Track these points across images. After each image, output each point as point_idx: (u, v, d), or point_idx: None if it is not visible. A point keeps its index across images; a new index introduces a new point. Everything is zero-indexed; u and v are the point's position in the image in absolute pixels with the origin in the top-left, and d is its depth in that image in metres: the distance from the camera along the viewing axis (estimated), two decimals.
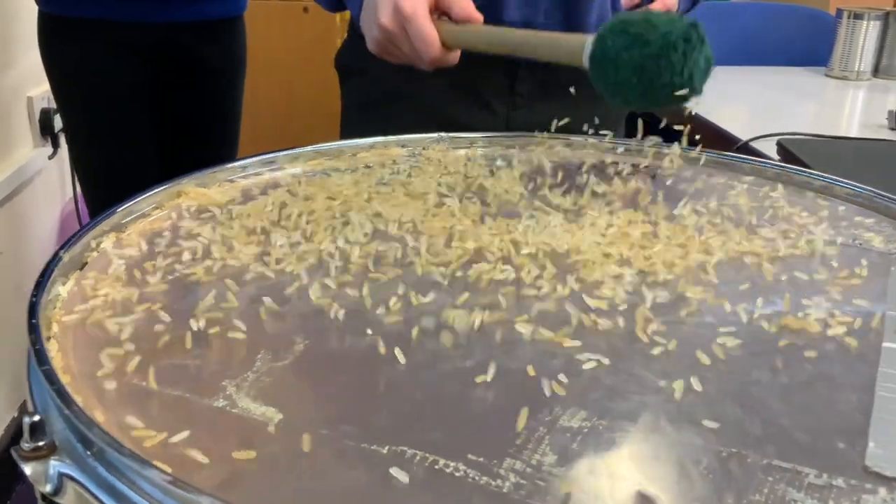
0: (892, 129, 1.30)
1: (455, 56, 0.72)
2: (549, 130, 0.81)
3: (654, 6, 0.99)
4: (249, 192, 0.67)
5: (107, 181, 1.31)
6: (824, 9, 1.91)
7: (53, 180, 1.83)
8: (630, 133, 1.02)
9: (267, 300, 0.49)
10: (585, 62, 0.61)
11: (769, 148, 1.18)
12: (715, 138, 1.32)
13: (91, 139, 1.31)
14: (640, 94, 0.60)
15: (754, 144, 1.21)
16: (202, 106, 1.37)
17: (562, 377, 0.42)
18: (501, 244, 0.56)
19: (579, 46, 0.61)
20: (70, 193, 1.77)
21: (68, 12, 1.24)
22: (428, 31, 0.69)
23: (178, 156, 1.37)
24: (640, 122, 0.81)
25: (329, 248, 0.56)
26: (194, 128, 1.38)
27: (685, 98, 0.60)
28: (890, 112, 1.30)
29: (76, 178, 1.48)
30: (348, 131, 1.04)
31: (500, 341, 0.46)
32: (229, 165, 0.70)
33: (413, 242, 0.57)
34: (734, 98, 1.56)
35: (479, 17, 0.70)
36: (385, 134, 0.80)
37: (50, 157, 1.73)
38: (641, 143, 0.78)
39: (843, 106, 1.56)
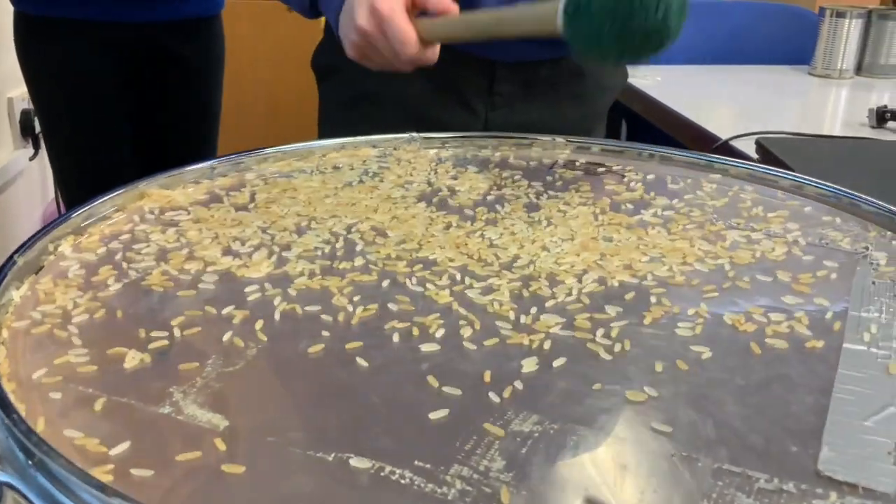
0: (874, 127, 1.30)
1: (434, 54, 0.72)
2: (528, 130, 0.81)
3: None
4: (214, 194, 0.66)
5: (84, 182, 1.30)
6: (810, 8, 1.91)
7: (35, 182, 1.82)
8: (611, 134, 1.02)
9: (222, 305, 0.48)
10: (559, 23, 0.60)
11: (749, 147, 1.17)
12: (695, 137, 1.32)
13: (70, 140, 1.30)
14: (616, 41, 0.58)
15: (734, 143, 1.21)
16: (181, 105, 1.36)
17: (517, 383, 0.42)
18: (461, 247, 0.56)
19: (552, 9, 0.60)
20: (52, 195, 1.76)
21: (46, 12, 1.23)
22: (405, 30, 0.68)
23: (157, 156, 1.36)
24: (623, 124, 0.81)
25: (288, 252, 0.55)
26: (173, 127, 1.37)
27: (661, 43, 0.58)
28: (870, 110, 1.30)
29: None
30: (327, 132, 1.03)
31: (457, 345, 0.45)
32: (196, 166, 0.69)
33: (373, 247, 0.56)
34: (716, 97, 1.56)
35: (455, 7, 0.69)
36: (364, 135, 0.80)
37: (31, 159, 1.72)
38: (613, 144, 0.78)
39: (825, 104, 1.56)
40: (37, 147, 1.73)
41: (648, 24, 0.57)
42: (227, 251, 0.55)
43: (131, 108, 1.32)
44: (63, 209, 1.62)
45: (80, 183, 1.32)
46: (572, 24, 0.59)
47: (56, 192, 1.68)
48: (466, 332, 0.46)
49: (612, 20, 0.57)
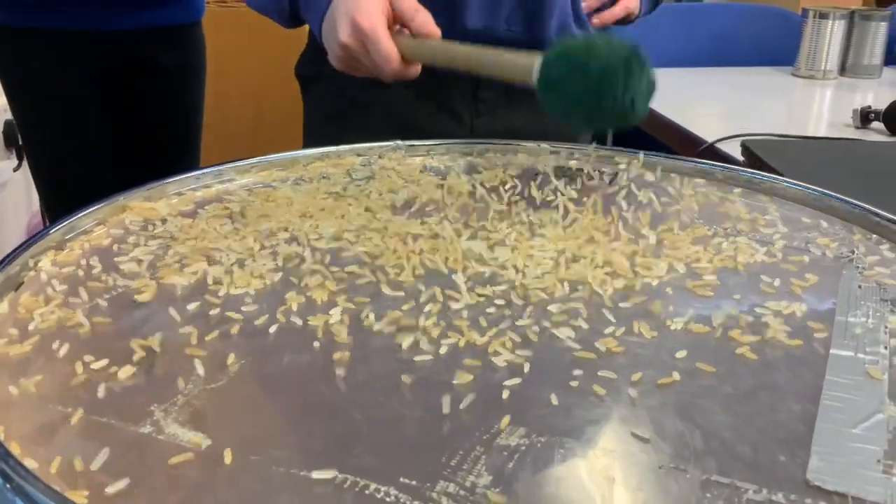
0: (858, 127, 1.30)
1: (416, 69, 0.72)
2: (513, 136, 0.81)
3: (616, 10, 0.99)
4: (196, 206, 0.65)
5: (66, 192, 1.29)
6: (793, 9, 1.92)
7: (19, 192, 1.80)
8: (598, 137, 1.02)
9: (204, 319, 0.48)
10: (534, 82, 0.62)
11: (735, 149, 1.17)
12: (681, 140, 1.32)
13: (49, 150, 1.29)
14: (586, 119, 0.63)
15: (719, 146, 1.21)
16: (161, 113, 1.35)
17: (504, 394, 0.41)
18: (447, 258, 0.55)
19: (529, 66, 0.62)
20: (37, 205, 1.75)
21: (21, 22, 1.22)
22: (387, 47, 0.68)
23: (139, 164, 1.35)
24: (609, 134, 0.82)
25: (270, 264, 0.54)
26: (154, 136, 1.36)
27: (629, 122, 0.61)
28: (854, 111, 1.31)
29: None
30: (312, 141, 1.03)
31: (441, 359, 0.45)
32: (178, 178, 0.68)
33: (358, 260, 0.56)
34: (702, 99, 1.57)
35: (438, 31, 0.69)
36: (349, 142, 0.79)
37: (15, 170, 1.71)
38: (598, 150, 0.77)
39: (810, 105, 1.57)
40: (21, 157, 1.71)
41: (616, 108, 0.59)
42: (210, 264, 0.54)
43: (111, 116, 1.31)
44: (47, 220, 1.60)
45: (61, 193, 1.31)
46: (544, 92, 0.62)
47: (41, 203, 1.67)
48: (450, 345, 0.46)
49: (581, 101, 0.60)
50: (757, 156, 1.08)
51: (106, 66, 1.27)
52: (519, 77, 0.63)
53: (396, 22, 0.71)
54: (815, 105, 1.56)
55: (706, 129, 1.29)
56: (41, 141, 1.28)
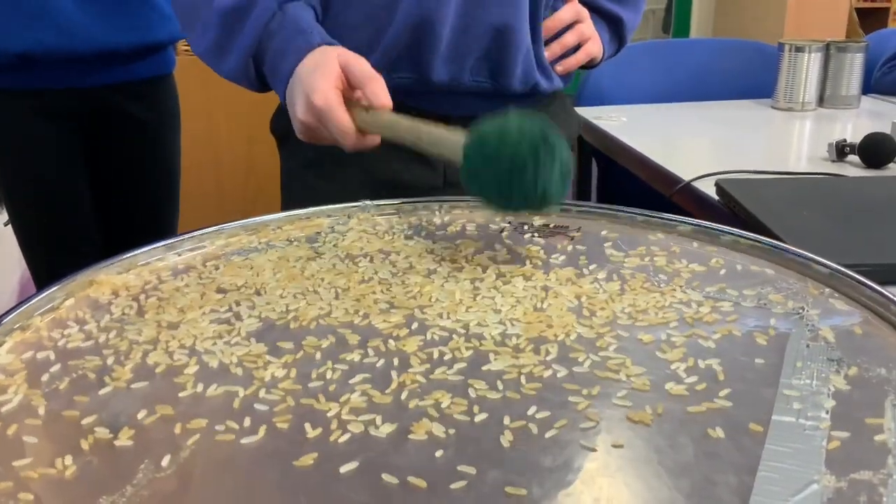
0: (834, 161, 1.32)
1: (375, 139, 0.74)
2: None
3: (579, 56, 1.01)
4: (162, 278, 0.66)
5: (45, 246, 1.32)
6: (772, 43, 1.95)
7: (10, 246, 1.82)
8: (581, 173, 1.03)
9: (158, 403, 0.49)
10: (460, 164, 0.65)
11: (711, 187, 1.19)
12: (659, 178, 1.34)
13: (27, 206, 1.31)
14: (503, 206, 0.66)
15: (696, 184, 1.22)
16: (136, 164, 1.38)
17: (469, 450, 0.42)
18: (409, 316, 0.56)
19: (457, 146, 0.65)
20: None
21: None
22: (342, 121, 0.71)
23: (118, 218, 1.38)
24: (594, 163, 0.83)
25: (229, 341, 0.55)
26: (132, 188, 1.39)
27: (547, 207, 0.64)
28: (830, 145, 1.32)
29: None
30: (290, 195, 1.05)
31: (398, 429, 0.45)
32: (145, 249, 0.70)
33: (318, 332, 0.57)
34: (681, 135, 1.58)
35: (388, 102, 0.71)
36: (327, 196, 0.81)
37: (5, 225, 1.73)
38: (563, 204, 0.79)
39: (789, 137, 1.58)
40: None
41: (529, 198, 0.63)
42: (168, 345, 0.55)
43: (87, 170, 1.34)
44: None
45: (41, 248, 1.33)
46: (466, 179, 0.65)
47: None
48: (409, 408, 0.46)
49: (497, 190, 0.63)
50: (731, 195, 1.09)
51: (83, 122, 1.30)
52: (450, 155, 0.66)
53: (353, 88, 0.73)
54: (794, 138, 1.58)
55: (683, 166, 1.30)
56: (18, 197, 1.31)
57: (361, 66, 0.73)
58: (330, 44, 0.78)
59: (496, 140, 0.62)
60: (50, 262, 1.33)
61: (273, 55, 0.79)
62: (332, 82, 0.72)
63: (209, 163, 2.38)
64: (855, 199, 1.08)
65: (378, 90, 0.71)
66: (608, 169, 1.72)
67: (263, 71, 0.82)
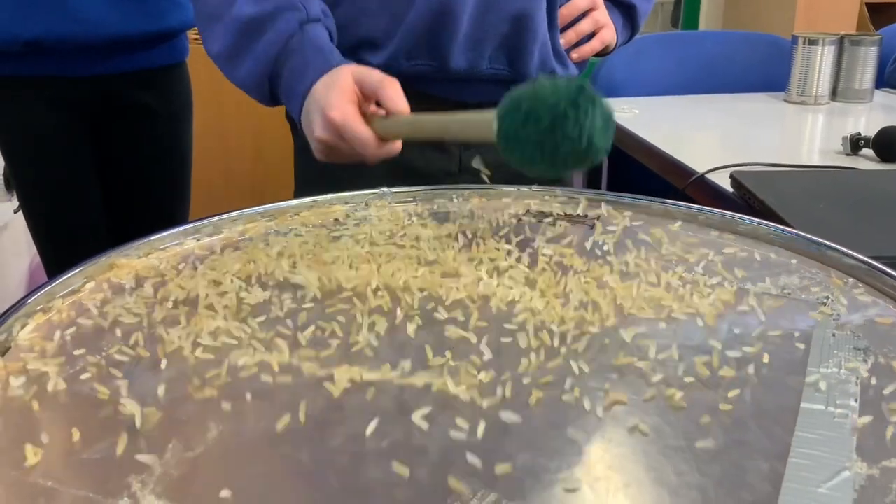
0: (848, 154, 1.31)
1: (397, 146, 0.74)
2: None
3: (594, 44, 1.01)
4: (182, 262, 0.66)
5: (56, 235, 1.32)
6: (786, 36, 1.94)
7: (20, 234, 1.82)
8: (593, 167, 1.03)
9: (185, 384, 0.48)
10: (494, 138, 0.63)
11: (725, 180, 1.18)
12: (673, 171, 1.33)
13: (38, 194, 1.31)
14: (549, 165, 0.61)
15: (710, 176, 1.22)
16: (148, 154, 1.37)
17: (472, 459, 0.42)
18: (429, 295, 0.56)
19: (487, 123, 0.63)
20: None
21: (4, 71, 1.24)
22: (361, 132, 0.71)
23: (127, 207, 1.38)
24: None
25: (254, 325, 0.55)
26: (142, 177, 1.39)
27: (592, 160, 0.61)
28: (844, 138, 1.31)
29: None
30: (303, 181, 1.04)
31: (421, 420, 0.45)
32: (164, 233, 0.70)
33: (348, 317, 0.57)
34: (694, 128, 1.58)
35: (405, 105, 0.71)
36: (341, 182, 0.81)
37: (16, 211, 1.73)
38: (580, 193, 0.78)
39: (802, 131, 1.58)
40: None
41: (575, 150, 0.59)
42: (192, 328, 0.55)
43: (97, 159, 1.33)
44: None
45: (51, 237, 1.33)
46: (504, 147, 0.62)
47: None
48: (428, 407, 0.46)
49: (540, 150, 0.60)
50: (746, 187, 1.09)
51: (90, 111, 1.30)
52: (481, 135, 0.64)
53: (368, 100, 0.73)
54: (807, 131, 1.57)
55: (697, 158, 1.30)
56: (30, 185, 1.31)
57: (374, 74, 0.73)
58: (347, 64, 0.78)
59: (531, 99, 0.60)
60: (59, 249, 1.33)
61: (290, 73, 0.79)
62: (348, 97, 0.72)
63: (218, 150, 2.38)
64: (870, 192, 1.07)
65: (394, 94, 0.71)
66: (619, 161, 1.72)
67: (278, 91, 0.82)
